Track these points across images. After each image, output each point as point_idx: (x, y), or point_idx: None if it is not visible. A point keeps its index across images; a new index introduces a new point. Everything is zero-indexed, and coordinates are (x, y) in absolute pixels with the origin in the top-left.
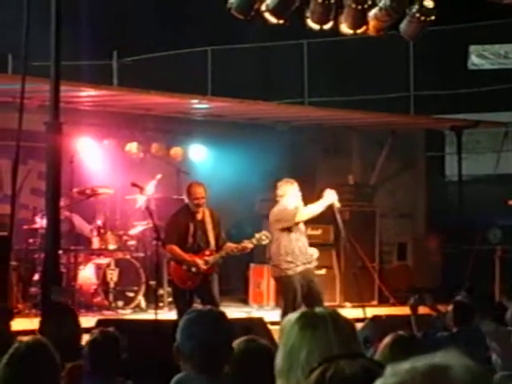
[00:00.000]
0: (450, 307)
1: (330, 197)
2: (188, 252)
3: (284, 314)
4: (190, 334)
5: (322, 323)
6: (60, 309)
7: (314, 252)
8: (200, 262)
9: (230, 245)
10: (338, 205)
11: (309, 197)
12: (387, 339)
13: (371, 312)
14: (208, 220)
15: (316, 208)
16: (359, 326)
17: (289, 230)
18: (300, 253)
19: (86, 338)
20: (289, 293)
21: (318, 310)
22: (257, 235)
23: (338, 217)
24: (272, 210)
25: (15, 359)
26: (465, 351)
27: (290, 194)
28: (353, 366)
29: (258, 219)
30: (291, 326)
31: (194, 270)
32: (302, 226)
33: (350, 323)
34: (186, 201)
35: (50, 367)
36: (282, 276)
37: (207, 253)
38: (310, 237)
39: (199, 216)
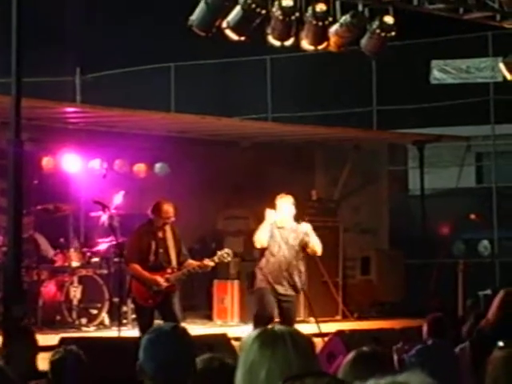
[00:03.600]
0: (425, 322)
1: (270, 216)
2: (150, 270)
3: (255, 325)
4: (151, 354)
5: (281, 341)
6: (19, 329)
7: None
8: (161, 280)
9: (191, 262)
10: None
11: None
12: (350, 355)
13: (335, 327)
14: (169, 236)
15: (264, 229)
16: (324, 340)
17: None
18: (273, 269)
19: (48, 356)
20: (259, 305)
21: (276, 327)
22: (218, 253)
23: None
24: None
25: None
26: (437, 365)
27: (280, 208)
28: (318, 383)
29: (221, 236)
30: (250, 344)
31: (155, 288)
32: (283, 245)
33: (308, 340)
34: (151, 217)
35: None
36: (256, 287)
37: (169, 271)
38: None
39: (161, 233)
